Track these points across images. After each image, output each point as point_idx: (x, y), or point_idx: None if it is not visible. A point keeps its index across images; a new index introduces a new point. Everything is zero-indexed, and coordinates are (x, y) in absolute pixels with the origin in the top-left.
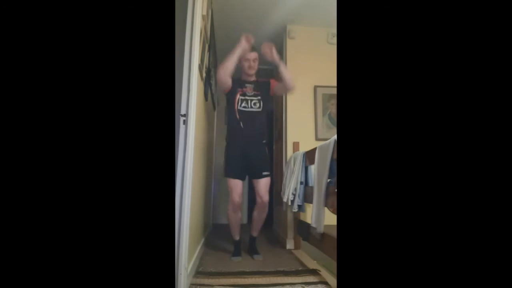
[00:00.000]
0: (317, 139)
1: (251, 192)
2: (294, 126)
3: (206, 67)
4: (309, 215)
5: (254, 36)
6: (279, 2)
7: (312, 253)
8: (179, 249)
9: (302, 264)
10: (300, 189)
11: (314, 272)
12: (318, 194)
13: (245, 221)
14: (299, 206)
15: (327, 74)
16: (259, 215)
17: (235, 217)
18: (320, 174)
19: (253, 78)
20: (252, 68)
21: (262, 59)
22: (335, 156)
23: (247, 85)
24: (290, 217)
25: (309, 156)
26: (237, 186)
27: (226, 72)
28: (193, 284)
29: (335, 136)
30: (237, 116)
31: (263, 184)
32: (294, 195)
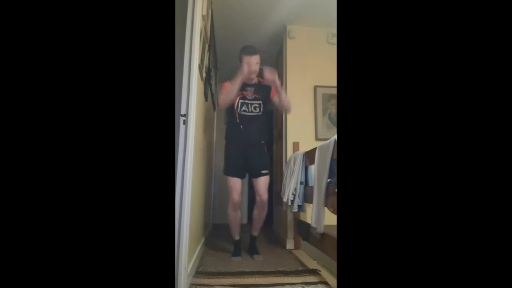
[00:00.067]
0: (317, 139)
1: (251, 192)
2: (294, 126)
3: (206, 67)
4: (309, 215)
5: (254, 37)
6: (279, 2)
7: (312, 253)
8: (179, 249)
9: (302, 264)
10: (300, 189)
11: (314, 272)
12: (318, 194)
13: (245, 221)
14: (299, 206)
15: (327, 74)
16: (259, 214)
17: (235, 216)
18: (320, 174)
19: (254, 80)
20: (253, 72)
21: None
22: (335, 156)
23: (248, 88)
24: (290, 217)
25: (309, 156)
26: (236, 184)
27: (226, 101)
28: (193, 284)
29: (335, 136)
30: (237, 120)
31: (262, 183)
32: (294, 195)
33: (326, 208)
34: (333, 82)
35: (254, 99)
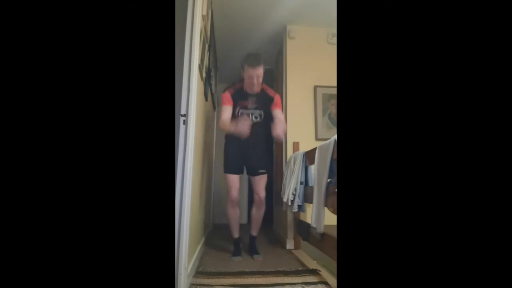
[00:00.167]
0: (317, 139)
1: (251, 192)
2: (294, 126)
3: (206, 67)
4: (309, 215)
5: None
6: (279, 2)
7: (312, 253)
8: (179, 249)
9: (302, 264)
10: (300, 189)
11: (314, 272)
12: (318, 194)
13: (244, 221)
14: (299, 206)
15: (327, 74)
16: (257, 212)
17: (234, 214)
18: (320, 174)
19: (256, 91)
20: (255, 85)
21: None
22: (335, 156)
23: (249, 98)
24: (290, 217)
25: (309, 156)
26: (234, 182)
27: (226, 128)
28: (193, 284)
29: (335, 136)
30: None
31: (259, 181)
32: (294, 195)
33: (326, 208)
34: (333, 82)
35: (256, 108)
